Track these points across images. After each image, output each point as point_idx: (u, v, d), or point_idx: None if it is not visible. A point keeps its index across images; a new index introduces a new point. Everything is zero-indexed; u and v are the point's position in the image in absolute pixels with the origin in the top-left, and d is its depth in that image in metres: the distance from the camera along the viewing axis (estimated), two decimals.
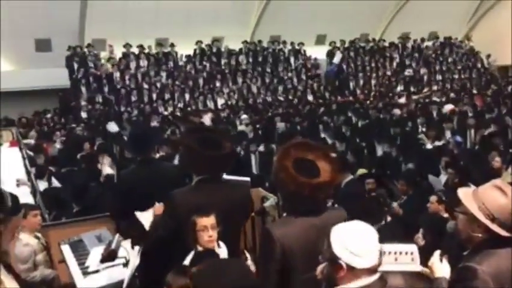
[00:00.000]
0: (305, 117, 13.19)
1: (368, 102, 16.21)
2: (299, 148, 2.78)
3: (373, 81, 18.60)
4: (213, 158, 3.19)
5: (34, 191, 6.10)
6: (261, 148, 9.43)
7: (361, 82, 18.33)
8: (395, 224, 3.91)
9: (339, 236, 2.05)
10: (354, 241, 2.02)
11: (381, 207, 4.01)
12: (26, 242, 3.80)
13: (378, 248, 2.05)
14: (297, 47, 18.83)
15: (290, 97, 16.97)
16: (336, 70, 18.71)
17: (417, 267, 2.46)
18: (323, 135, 10.69)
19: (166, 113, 15.05)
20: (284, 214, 2.89)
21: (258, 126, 12.07)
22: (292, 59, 18.74)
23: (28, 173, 7.08)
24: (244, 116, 12.85)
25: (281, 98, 16.80)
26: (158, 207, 3.38)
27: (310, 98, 17.28)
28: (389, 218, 3.97)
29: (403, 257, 2.46)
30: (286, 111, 14.46)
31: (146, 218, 3.39)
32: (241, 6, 17.89)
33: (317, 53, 19.40)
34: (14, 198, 2.28)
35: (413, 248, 2.53)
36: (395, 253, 2.48)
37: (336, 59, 18.47)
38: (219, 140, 3.31)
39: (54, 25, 15.50)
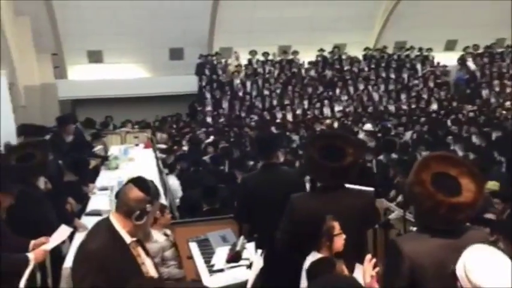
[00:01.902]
0: (431, 127, 12.50)
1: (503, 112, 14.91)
2: (441, 161, 2.55)
3: (509, 90, 16.99)
4: (332, 169, 3.18)
5: (165, 191, 6.52)
6: (382, 158, 9.10)
7: (496, 90, 16.87)
8: None
9: (467, 258, 1.97)
10: (479, 273, 1.92)
11: None
12: (155, 239, 4.06)
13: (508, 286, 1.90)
14: (425, 53, 17.96)
15: (413, 105, 16.23)
16: (467, 78, 17.53)
17: None
18: (452, 147, 10.03)
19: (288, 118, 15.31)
20: (414, 228, 2.75)
21: (379, 135, 11.69)
22: (419, 66, 17.92)
23: (160, 172, 7.62)
24: (368, 125, 12.40)
25: (404, 107, 16.14)
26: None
27: (435, 106, 16.34)
28: None
29: None
30: (409, 120, 13.84)
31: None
32: (365, 12, 17.53)
33: (446, 59, 18.33)
34: (153, 183, 2.59)
35: None
36: None
37: (470, 64, 17.26)
38: (343, 147, 3.27)
39: (187, 35, 16.61)
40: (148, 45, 16.58)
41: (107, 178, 7.10)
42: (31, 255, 3.55)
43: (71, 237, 4.32)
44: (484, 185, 2.57)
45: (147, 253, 2.70)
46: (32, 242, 3.72)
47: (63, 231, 3.87)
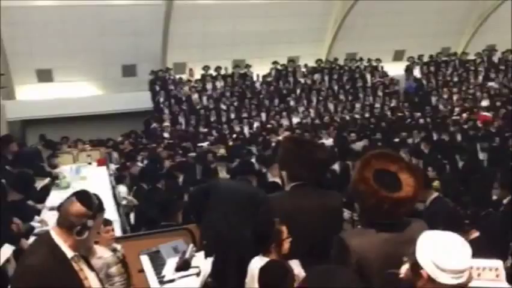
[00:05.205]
0: (383, 134, 12.86)
1: (451, 118, 15.47)
2: (381, 159, 2.66)
3: (455, 96, 17.64)
4: (309, 161, 3.25)
5: (118, 207, 6.41)
6: (336, 166, 9.29)
7: (444, 97, 17.49)
8: (481, 239, 3.66)
9: (428, 245, 1.99)
10: (442, 254, 1.95)
11: (463, 219, 3.78)
12: (99, 255, 3.92)
13: (469, 266, 1.96)
14: (374, 64, 18.52)
15: (367, 115, 16.62)
16: (415, 86, 18.17)
17: (502, 283, 2.29)
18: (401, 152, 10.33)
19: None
20: (359, 226, 2.81)
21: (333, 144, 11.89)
22: (368, 76, 18.43)
23: (113, 188, 7.50)
24: (324, 140, 12.45)
25: (357, 116, 16.49)
26: None
27: (388, 114, 16.79)
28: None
29: (487, 272, 2.31)
30: (362, 129, 14.16)
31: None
32: (316, 25, 17.96)
33: (395, 69, 18.95)
34: (98, 197, 2.53)
35: (498, 263, 2.36)
36: (478, 268, 2.33)
37: (417, 72, 17.96)
38: (314, 148, 3.38)
39: (139, 51, 16.47)
40: (100, 63, 16.33)
41: (57, 198, 6.92)
42: None
43: (17, 257, 4.16)
44: (421, 180, 2.66)
45: (91, 267, 2.63)
46: None
47: (4, 250, 3.73)
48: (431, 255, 1.94)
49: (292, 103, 16.77)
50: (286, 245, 2.96)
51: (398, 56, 19.75)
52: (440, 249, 1.95)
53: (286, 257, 2.93)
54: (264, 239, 2.94)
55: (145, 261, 3.87)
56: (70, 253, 2.44)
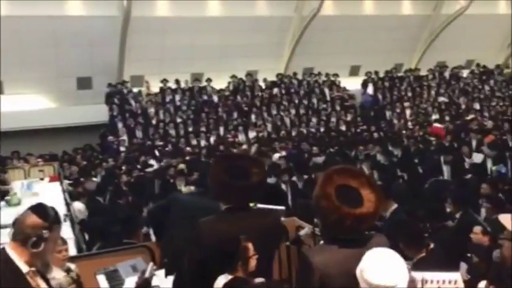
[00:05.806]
0: (339, 148, 13.08)
1: (404, 132, 15.96)
2: (342, 174, 2.69)
3: (408, 111, 18.19)
4: (239, 188, 3.19)
5: (72, 224, 6.20)
6: (294, 179, 9.34)
7: (397, 112, 18.01)
8: (439, 252, 3.75)
9: (364, 260, 2.15)
10: (371, 270, 2.10)
11: (422, 234, 3.88)
12: (52, 276, 3.74)
13: (396, 284, 2.09)
14: (332, 78, 18.88)
15: (322, 129, 16.85)
16: (371, 100, 18.64)
17: None
18: (359, 166, 10.52)
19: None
20: (321, 242, 2.82)
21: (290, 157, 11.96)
22: (327, 90, 18.74)
23: (67, 204, 7.26)
24: (277, 155, 12.48)
25: (313, 130, 16.69)
26: None
27: (343, 128, 17.09)
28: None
29: (446, 285, 2.36)
30: (319, 142, 14.34)
31: None
32: (274, 39, 18.17)
33: (351, 84, 19.39)
34: (54, 210, 2.51)
35: (456, 276, 2.42)
36: (438, 281, 2.39)
37: (370, 89, 18.45)
38: (248, 168, 3.30)
39: (95, 64, 16.13)
40: (53, 75, 15.87)
41: (8, 215, 6.62)
42: None
43: None
44: (382, 195, 2.69)
45: (48, 284, 2.56)
46: None
47: None
48: (363, 270, 2.11)
49: (253, 117, 16.80)
50: (253, 262, 2.92)
51: (354, 71, 20.25)
52: (370, 265, 2.12)
53: (253, 274, 2.89)
54: (230, 257, 2.89)
55: (102, 280, 3.76)
56: (25, 268, 2.38)
